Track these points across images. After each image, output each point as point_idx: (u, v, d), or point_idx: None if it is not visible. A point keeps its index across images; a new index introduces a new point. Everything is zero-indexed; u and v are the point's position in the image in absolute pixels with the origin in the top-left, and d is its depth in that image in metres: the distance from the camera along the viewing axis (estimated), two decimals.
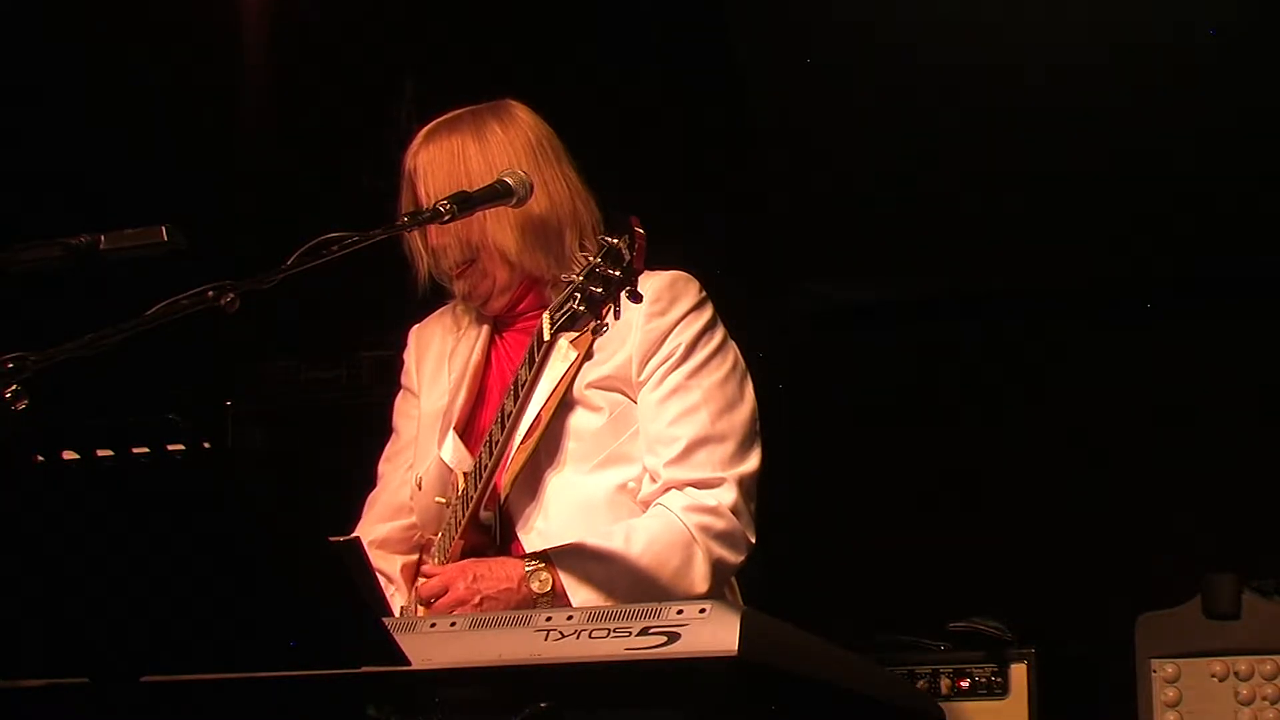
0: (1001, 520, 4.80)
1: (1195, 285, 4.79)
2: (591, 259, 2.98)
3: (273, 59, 5.37)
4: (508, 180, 3.25)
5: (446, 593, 3.17)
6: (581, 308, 2.99)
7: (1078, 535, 4.73)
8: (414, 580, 3.43)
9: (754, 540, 3.29)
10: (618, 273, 2.95)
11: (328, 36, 5.26)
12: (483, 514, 3.30)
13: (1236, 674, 4.21)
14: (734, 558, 3.26)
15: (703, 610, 2.46)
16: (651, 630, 2.46)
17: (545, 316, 3.09)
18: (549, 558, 3.19)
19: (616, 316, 3.00)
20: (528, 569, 3.17)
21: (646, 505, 3.29)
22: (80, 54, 5.06)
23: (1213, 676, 4.22)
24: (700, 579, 3.21)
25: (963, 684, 4.36)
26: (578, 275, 2.99)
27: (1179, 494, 4.67)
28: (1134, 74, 4.68)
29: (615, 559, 3.17)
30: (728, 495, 3.25)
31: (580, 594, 3.15)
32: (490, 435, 3.28)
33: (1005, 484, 4.84)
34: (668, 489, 3.26)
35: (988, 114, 4.78)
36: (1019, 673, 4.33)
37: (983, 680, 4.35)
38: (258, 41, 5.35)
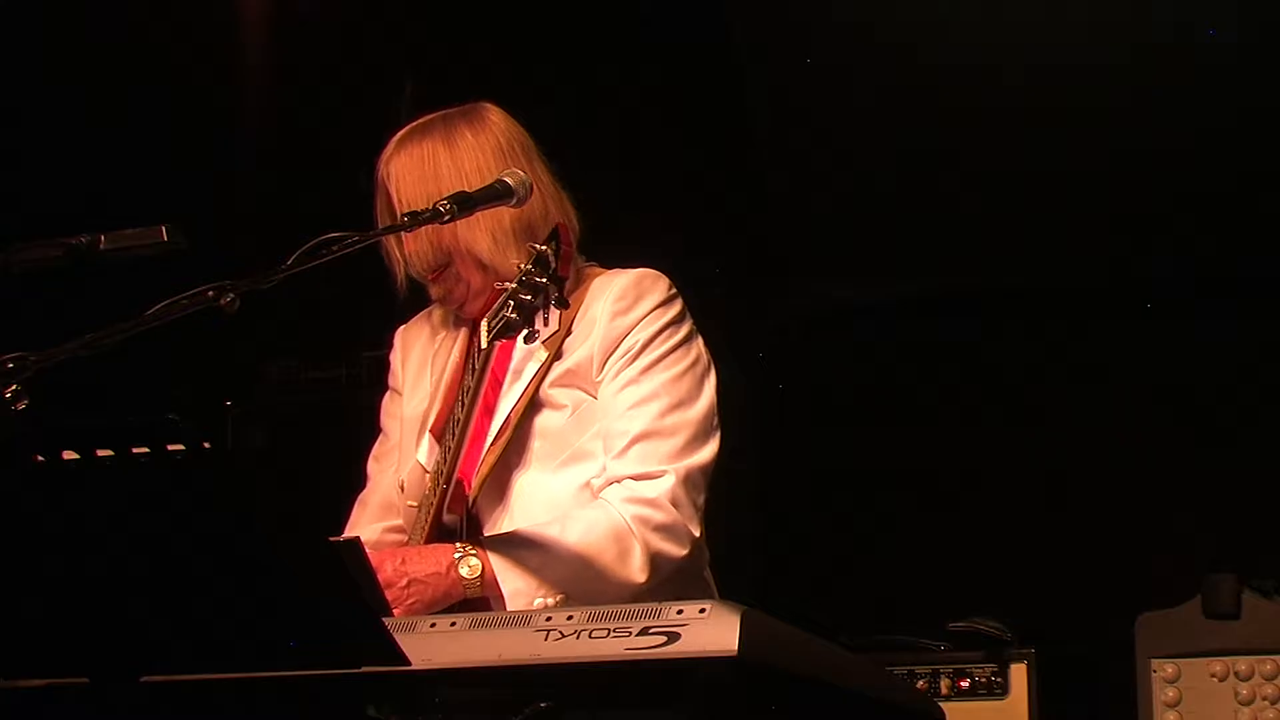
0: (1001, 520, 4.80)
1: (1195, 285, 4.79)
2: (523, 266, 3.04)
3: (273, 59, 5.37)
4: (507, 180, 3.25)
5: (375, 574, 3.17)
6: (514, 315, 3.04)
7: (1078, 535, 4.73)
8: None
9: (697, 534, 3.25)
10: (544, 279, 3.01)
11: (328, 36, 5.26)
12: (446, 516, 3.30)
13: (1236, 674, 4.21)
14: (675, 551, 3.23)
15: (703, 610, 2.45)
16: (651, 630, 2.46)
17: (483, 324, 3.13)
18: (480, 543, 3.19)
19: (546, 323, 3.04)
20: (456, 555, 3.16)
21: None
22: (80, 54, 5.06)
23: (1213, 676, 4.22)
24: (638, 570, 3.18)
25: (963, 684, 4.36)
26: (511, 283, 3.05)
27: (1179, 494, 4.67)
28: (1134, 73, 4.68)
29: (548, 546, 3.16)
30: (667, 486, 3.22)
31: (511, 580, 3.13)
32: (444, 440, 3.30)
33: (1005, 483, 4.84)
34: (610, 483, 3.26)
35: (987, 113, 4.78)
36: (1019, 673, 4.34)
37: (983, 680, 4.35)
38: (258, 41, 5.36)
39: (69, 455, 2.24)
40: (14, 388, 2.51)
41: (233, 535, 2.32)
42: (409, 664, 2.41)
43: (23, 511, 2.34)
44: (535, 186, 3.36)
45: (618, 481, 3.25)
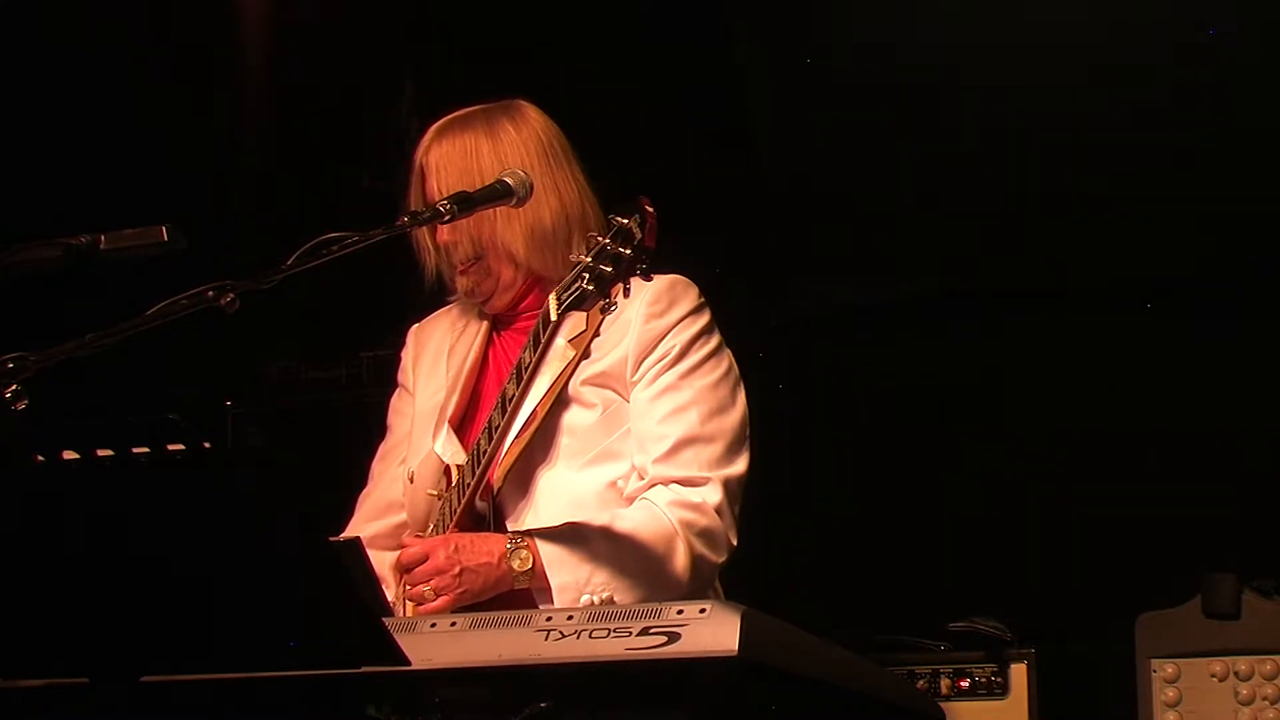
0: (1001, 520, 4.80)
1: (1195, 285, 4.79)
2: (600, 239, 2.94)
3: (273, 59, 5.37)
4: (508, 180, 3.25)
5: (426, 560, 3.17)
6: (590, 287, 2.93)
7: (1078, 535, 4.73)
8: (402, 578, 3.43)
9: (735, 543, 3.29)
10: (629, 251, 2.91)
11: (328, 36, 5.26)
12: (478, 504, 3.31)
13: (1236, 674, 4.21)
14: (715, 557, 3.26)
15: (703, 610, 2.46)
16: (652, 630, 2.46)
17: (551, 297, 3.04)
18: (532, 536, 3.20)
19: (626, 295, 2.96)
20: (509, 546, 3.17)
21: (632, 501, 3.30)
22: (80, 54, 5.06)
23: (1213, 676, 4.22)
24: (682, 571, 3.20)
25: (963, 684, 4.36)
26: (586, 256, 2.95)
27: (1179, 494, 4.67)
28: (1134, 74, 4.68)
29: (597, 544, 3.17)
30: (713, 495, 3.26)
31: (560, 575, 3.14)
32: (490, 421, 3.28)
33: (1005, 484, 4.84)
34: (653, 485, 3.27)
35: (987, 113, 4.78)
36: (1019, 673, 4.33)
37: (983, 680, 4.35)
38: (258, 41, 5.36)
39: (69, 455, 2.25)
40: (14, 388, 2.51)
41: (232, 535, 2.32)
42: (409, 664, 2.41)
43: (23, 511, 2.34)
44: (574, 188, 3.39)
45: (663, 484, 3.27)
